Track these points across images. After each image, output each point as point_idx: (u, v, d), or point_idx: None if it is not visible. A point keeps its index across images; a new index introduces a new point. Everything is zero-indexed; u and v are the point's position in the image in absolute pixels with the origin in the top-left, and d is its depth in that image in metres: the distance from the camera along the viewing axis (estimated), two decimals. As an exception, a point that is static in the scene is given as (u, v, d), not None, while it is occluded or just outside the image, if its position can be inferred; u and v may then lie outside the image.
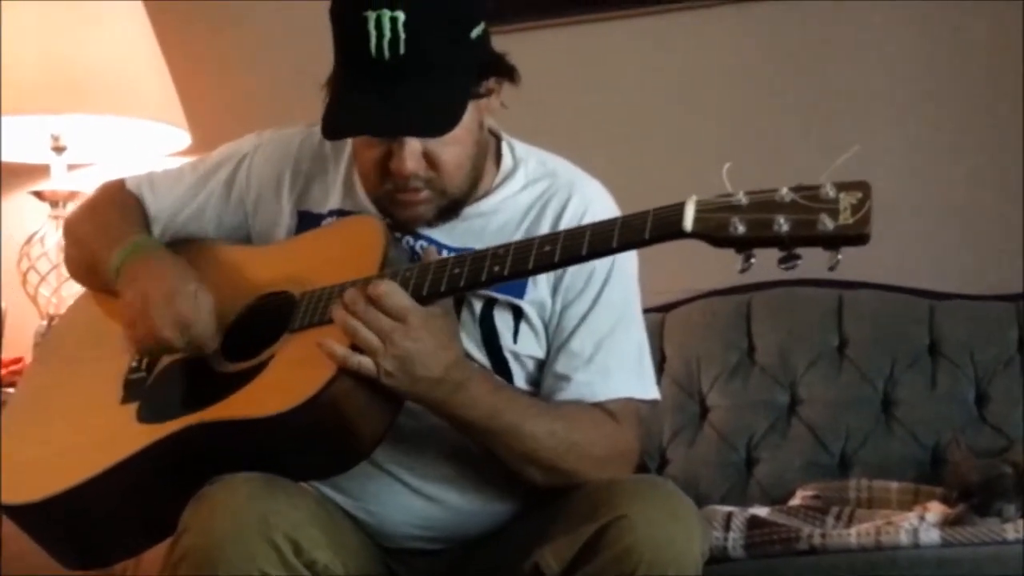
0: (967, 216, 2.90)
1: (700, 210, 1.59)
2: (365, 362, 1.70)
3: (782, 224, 1.54)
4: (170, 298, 1.86)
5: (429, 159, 1.84)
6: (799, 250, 1.55)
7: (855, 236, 1.52)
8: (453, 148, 1.84)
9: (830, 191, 1.54)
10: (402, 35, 1.75)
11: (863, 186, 1.54)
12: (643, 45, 3.12)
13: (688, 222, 1.58)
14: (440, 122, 1.80)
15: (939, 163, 2.93)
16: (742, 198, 1.57)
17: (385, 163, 1.84)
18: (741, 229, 1.56)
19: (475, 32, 1.84)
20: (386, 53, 1.76)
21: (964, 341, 2.69)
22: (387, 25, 1.76)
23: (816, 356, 2.75)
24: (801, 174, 1.62)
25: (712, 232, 1.57)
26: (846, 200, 1.53)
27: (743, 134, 3.01)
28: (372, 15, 1.76)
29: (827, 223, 1.52)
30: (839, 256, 1.54)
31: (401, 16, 1.75)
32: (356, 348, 1.71)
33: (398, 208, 1.88)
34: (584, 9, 3.15)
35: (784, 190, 1.56)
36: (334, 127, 1.83)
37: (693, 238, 1.59)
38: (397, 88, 1.78)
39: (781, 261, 1.57)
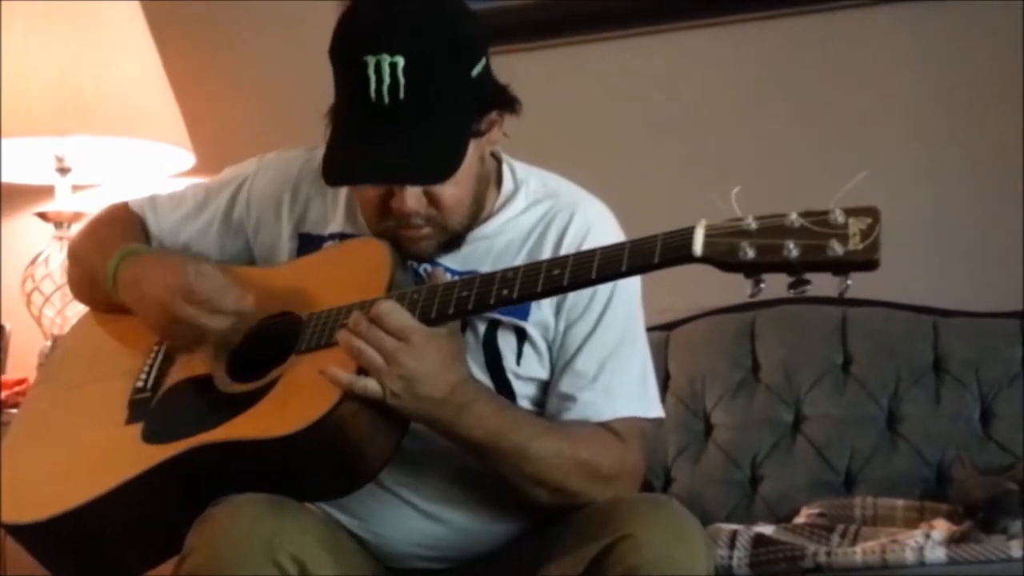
0: (971, 233, 2.90)
1: (709, 235, 1.59)
2: (371, 384, 1.70)
3: (792, 249, 1.54)
4: (187, 293, 1.85)
5: (430, 197, 1.84)
6: (808, 275, 1.55)
7: (865, 262, 1.52)
8: (454, 186, 1.84)
9: (839, 216, 1.54)
10: (402, 80, 1.75)
11: (872, 212, 1.54)
12: (648, 65, 3.13)
13: (698, 247, 1.58)
14: (440, 169, 1.80)
15: (944, 180, 2.93)
16: (751, 223, 1.57)
17: (386, 201, 1.85)
18: (751, 254, 1.56)
19: (476, 70, 1.83)
20: (385, 98, 1.76)
21: (969, 358, 2.69)
22: (386, 70, 1.75)
23: (820, 374, 2.75)
24: (806, 191, 1.62)
25: (722, 257, 1.57)
26: (855, 226, 1.53)
27: (748, 153, 3.01)
28: (371, 60, 1.75)
29: (836, 248, 1.52)
30: (848, 282, 1.54)
31: (400, 61, 1.75)
32: (362, 371, 1.71)
33: (400, 244, 1.88)
34: (587, 29, 3.14)
35: (793, 215, 1.56)
36: (335, 174, 1.83)
37: (703, 263, 1.59)
38: (397, 134, 1.77)
39: (791, 286, 1.57)
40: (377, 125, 1.77)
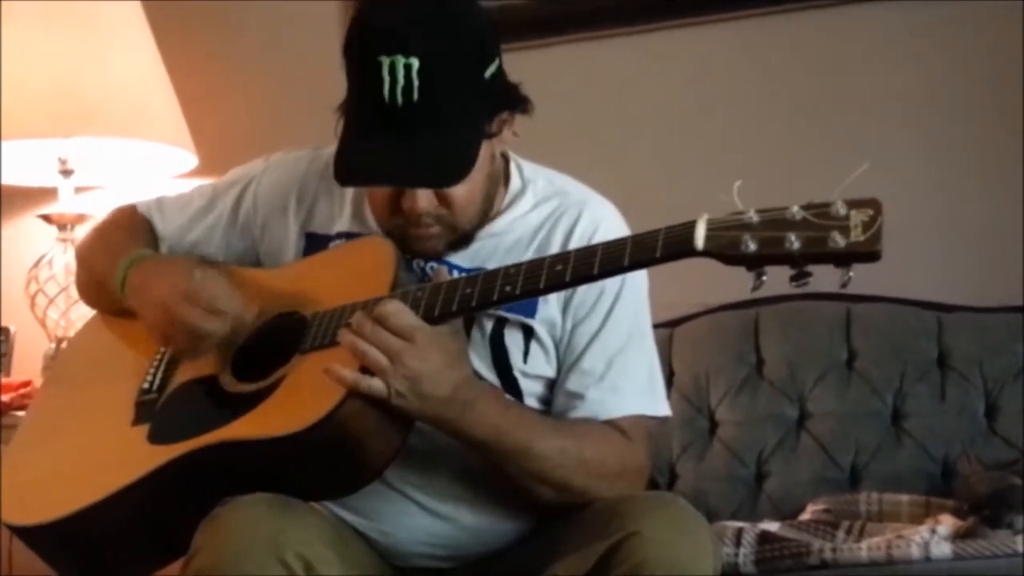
0: (975, 229, 2.90)
1: (711, 228, 1.59)
2: (375, 384, 1.70)
3: (793, 242, 1.54)
4: (188, 294, 1.86)
5: (440, 197, 1.84)
6: (810, 267, 1.56)
7: (866, 253, 1.52)
8: (465, 186, 1.84)
9: (841, 209, 1.54)
10: (416, 82, 1.74)
11: (874, 203, 1.54)
12: (650, 61, 3.13)
13: (699, 240, 1.59)
14: (453, 172, 1.80)
15: (947, 176, 2.93)
16: (753, 216, 1.58)
17: (396, 200, 1.85)
18: (752, 247, 1.56)
19: (489, 71, 1.84)
20: (399, 99, 1.75)
21: (973, 354, 2.69)
22: (400, 72, 1.75)
23: (825, 370, 2.75)
24: (808, 186, 1.63)
25: (724, 250, 1.58)
26: (857, 217, 1.53)
27: (750, 149, 3.01)
28: (386, 60, 1.75)
29: (838, 240, 1.52)
30: (850, 273, 1.54)
31: (415, 63, 1.74)
32: (365, 370, 1.71)
33: (410, 242, 1.88)
34: (591, 26, 3.15)
35: (795, 208, 1.56)
36: (348, 174, 1.83)
37: (704, 256, 1.59)
38: (410, 135, 1.77)
39: (793, 279, 1.57)
40: (390, 126, 1.77)
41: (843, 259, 1.54)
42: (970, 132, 2.91)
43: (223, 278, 1.90)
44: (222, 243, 2.07)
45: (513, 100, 1.89)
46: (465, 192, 1.85)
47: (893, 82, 2.97)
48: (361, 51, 1.79)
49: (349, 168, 1.82)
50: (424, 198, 1.83)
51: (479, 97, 1.82)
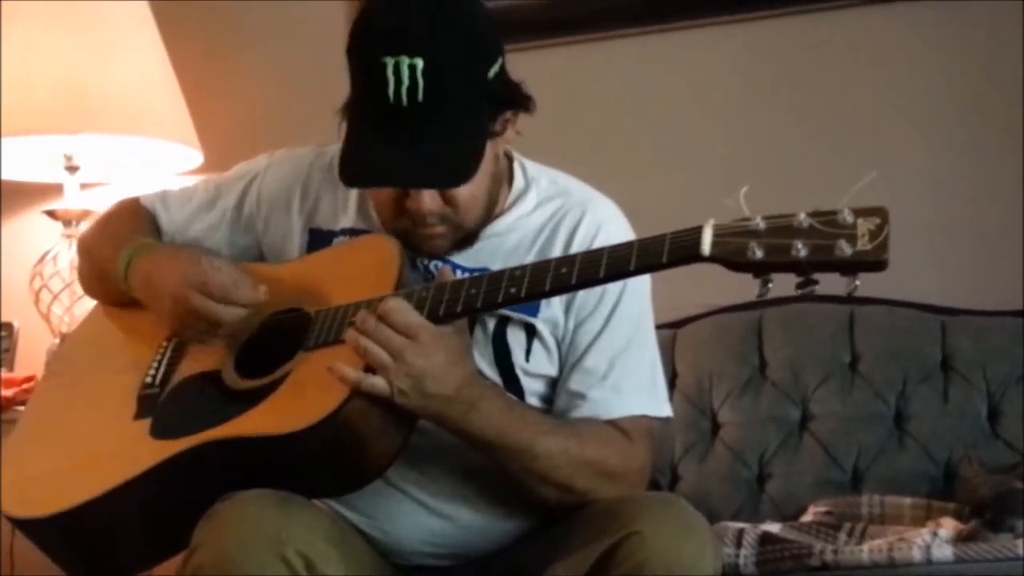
0: (979, 232, 2.90)
1: (718, 235, 1.59)
2: (378, 382, 1.70)
3: (800, 249, 1.54)
4: (201, 284, 1.86)
5: (445, 197, 1.84)
6: (816, 275, 1.56)
7: (873, 262, 1.52)
8: (469, 186, 1.84)
9: (848, 216, 1.54)
10: (420, 82, 1.75)
11: (881, 212, 1.54)
12: (656, 64, 3.13)
13: (706, 247, 1.58)
14: (458, 174, 1.80)
15: (950, 179, 2.93)
16: (760, 223, 1.57)
17: (401, 200, 1.85)
18: (759, 254, 1.56)
19: (493, 70, 1.84)
20: (404, 100, 1.75)
21: (976, 357, 2.68)
22: (405, 72, 1.75)
23: (828, 372, 2.75)
24: (813, 192, 1.63)
25: (730, 257, 1.57)
26: (864, 226, 1.53)
27: (753, 151, 3.01)
28: (390, 61, 1.75)
29: (845, 249, 1.52)
30: (857, 282, 1.54)
31: (420, 63, 1.74)
32: (369, 369, 1.71)
33: (414, 241, 1.88)
34: (595, 28, 3.14)
35: (802, 215, 1.56)
36: (353, 176, 1.83)
37: (711, 262, 1.59)
38: (415, 136, 1.77)
39: (799, 286, 1.57)
40: (395, 127, 1.77)
41: (849, 268, 1.53)
42: (973, 135, 2.91)
43: (231, 266, 1.90)
44: (225, 238, 2.07)
45: (516, 99, 1.89)
46: (470, 192, 1.85)
47: (897, 85, 2.97)
48: (365, 52, 1.79)
49: (354, 170, 1.82)
50: (429, 199, 1.83)
51: (483, 97, 1.82)
